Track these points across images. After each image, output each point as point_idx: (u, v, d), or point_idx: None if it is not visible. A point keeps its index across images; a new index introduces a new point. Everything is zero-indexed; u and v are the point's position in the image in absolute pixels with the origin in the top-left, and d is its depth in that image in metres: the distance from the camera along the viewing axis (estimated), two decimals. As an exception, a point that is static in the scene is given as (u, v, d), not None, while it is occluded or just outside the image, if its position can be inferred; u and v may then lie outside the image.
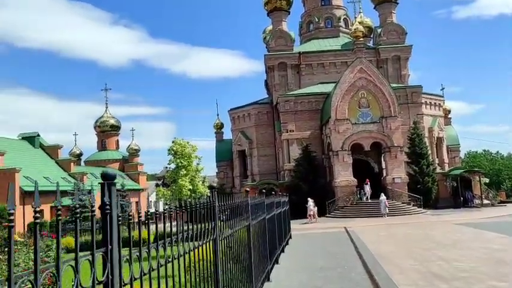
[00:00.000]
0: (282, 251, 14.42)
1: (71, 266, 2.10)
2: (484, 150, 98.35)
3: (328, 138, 38.27)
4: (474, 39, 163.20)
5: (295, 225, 26.03)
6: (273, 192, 22.45)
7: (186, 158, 16.59)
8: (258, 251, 8.88)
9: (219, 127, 54.13)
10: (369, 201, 35.04)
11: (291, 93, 43.75)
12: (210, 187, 50.00)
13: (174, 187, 16.54)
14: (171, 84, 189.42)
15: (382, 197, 32.30)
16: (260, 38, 57.22)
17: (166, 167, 18.03)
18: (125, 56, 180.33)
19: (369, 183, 36.19)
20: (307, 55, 46.03)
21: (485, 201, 38.81)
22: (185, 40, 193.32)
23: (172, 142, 16.67)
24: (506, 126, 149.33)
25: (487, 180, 44.17)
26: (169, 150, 16.69)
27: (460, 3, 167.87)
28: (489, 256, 11.18)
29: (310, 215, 31.15)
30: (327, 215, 35.03)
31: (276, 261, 12.14)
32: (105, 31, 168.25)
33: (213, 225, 4.80)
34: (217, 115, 54.46)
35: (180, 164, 16.55)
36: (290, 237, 19.15)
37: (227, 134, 53.61)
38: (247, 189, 15.91)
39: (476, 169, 44.71)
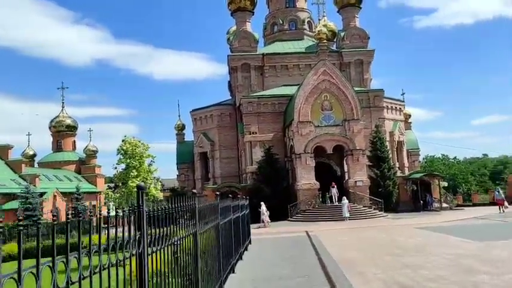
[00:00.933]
0: (240, 258, 13.50)
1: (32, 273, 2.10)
2: (442, 155, 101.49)
3: (291, 141, 37.73)
4: (434, 48, 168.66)
5: (254, 230, 25.21)
6: (231, 195, 21.52)
7: (137, 158, 15.39)
8: (209, 260, 7.91)
9: (181, 128, 52.71)
10: (333, 204, 34.71)
11: (254, 94, 43.01)
12: (172, 190, 48.82)
13: (123, 189, 15.30)
14: (136, 85, 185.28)
15: (344, 200, 32.03)
16: (225, 40, 56.37)
17: (116, 167, 16.74)
18: (88, 55, 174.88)
19: (335, 186, 36.01)
20: (271, 57, 45.46)
21: (444, 205, 39.33)
22: (151, 41, 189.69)
23: (122, 141, 15.43)
24: (463, 132, 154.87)
25: (446, 184, 44.93)
26: (118, 149, 15.45)
27: (422, 13, 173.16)
28: (456, 263, 10.66)
29: (262, 220, 30.54)
30: (289, 219, 34.42)
31: (232, 271, 11.20)
32: (67, 30, 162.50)
33: (138, 234, 3.81)
34: (179, 116, 53.10)
35: (130, 165, 15.33)
36: (250, 242, 18.25)
37: (189, 136, 52.35)
38: (209, 192, 15.02)
39: (435, 173, 45.37)
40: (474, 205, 50.26)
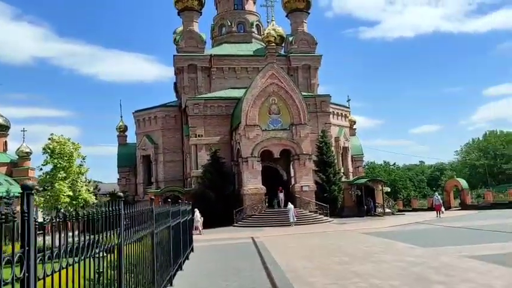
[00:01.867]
0: (180, 268, 12.39)
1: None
2: (384, 162, 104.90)
3: (237, 145, 36.91)
4: (378, 59, 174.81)
5: (195, 237, 24.06)
6: (174, 200, 20.27)
7: (65, 158, 13.82)
8: (141, 274, 6.82)
9: (123, 130, 50.31)
10: (280, 209, 34.24)
11: (200, 96, 41.83)
12: (111, 194, 46.33)
13: (49, 193, 13.67)
14: (79, 86, 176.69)
15: (290, 205, 31.60)
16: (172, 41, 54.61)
17: (41, 169, 14.96)
18: (28, 53, 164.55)
19: (283, 191, 35.60)
20: (219, 58, 44.51)
21: (387, 210, 40.06)
22: (96, 41, 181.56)
23: (49, 139, 13.78)
24: (402, 140, 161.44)
25: (389, 189, 45.93)
26: (44, 148, 13.79)
27: (366, 24, 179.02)
28: (407, 272, 10.20)
29: (196, 227, 29.34)
30: (235, 224, 33.49)
31: (170, 283, 10.09)
32: (6, 26, 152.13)
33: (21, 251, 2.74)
34: (121, 117, 50.74)
35: (58, 165, 13.73)
36: (192, 250, 17.13)
37: (131, 138, 50.05)
38: (152, 197, 13.76)
39: (379, 178, 46.26)
40: (414, 210, 51.97)
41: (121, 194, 6.12)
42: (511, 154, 73.48)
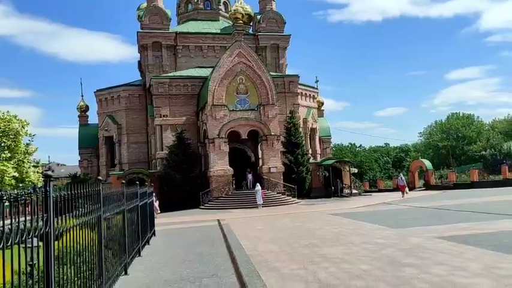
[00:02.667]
0: (138, 254, 11.56)
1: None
2: (350, 143, 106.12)
3: (204, 125, 35.91)
4: (345, 42, 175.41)
5: (160, 220, 23.20)
6: (145, 183, 19.27)
7: (11, 136, 12.59)
8: (85, 264, 5.99)
9: (84, 110, 48.21)
10: (247, 191, 33.72)
11: (165, 75, 40.38)
12: (73, 177, 44.56)
13: (-9, 175, 12.47)
14: (41, 65, 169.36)
15: (258, 187, 31.10)
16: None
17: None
18: None
19: (251, 172, 35.05)
20: (185, 36, 43.01)
21: (354, 191, 40.25)
22: (59, 19, 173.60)
23: (-9, 115, 12.52)
24: (367, 123, 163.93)
25: (356, 171, 46.16)
26: (-15, 126, 12.54)
27: (335, 6, 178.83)
28: (378, 255, 9.74)
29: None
30: (201, 207, 32.78)
31: (125, 271, 9.26)
32: None
33: None
34: (82, 96, 48.67)
35: (1, 144, 12.49)
36: (154, 234, 16.29)
37: (93, 118, 48.06)
38: (123, 181, 12.77)
39: (346, 160, 46.36)
40: (380, 191, 52.67)
41: (123, 181, 5.17)
42: (472, 135, 75.56)
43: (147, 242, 13.99)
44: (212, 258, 10.62)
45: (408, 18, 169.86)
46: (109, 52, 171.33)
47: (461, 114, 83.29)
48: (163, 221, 23.87)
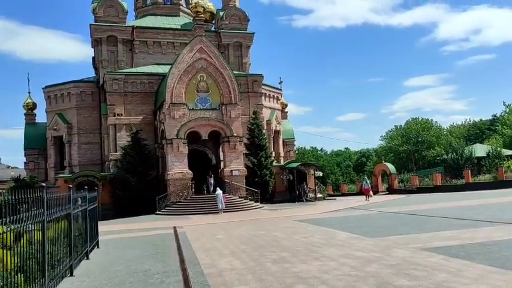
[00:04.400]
0: (70, 273, 9.39)
1: None
2: (312, 147, 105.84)
3: (162, 125, 33.57)
4: (308, 48, 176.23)
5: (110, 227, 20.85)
6: (95, 188, 17.00)
7: None
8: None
9: (31, 108, 44.53)
10: (208, 195, 31.68)
11: (120, 71, 37.71)
12: (16, 180, 40.94)
13: None
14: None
15: (218, 191, 29.08)
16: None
17: None
18: None
19: (212, 175, 33.06)
20: (142, 30, 40.49)
21: (318, 195, 38.97)
22: (14, 17, 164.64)
23: None
24: (329, 127, 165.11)
25: (321, 174, 44.97)
26: None
27: (300, 12, 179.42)
28: (362, 273, 8.08)
29: None
30: (157, 212, 30.43)
31: (44, 302, 7.12)
32: None
33: None
34: (29, 93, 44.89)
35: None
36: (97, 245, 14.05)
37: (42, 117, 44.53)
38: (70, 186, 10.63)
39: (312, 162, 45.12)
40: (343, 195, 51.92)
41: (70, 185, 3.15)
42: (431, 140, 76.52)
43: (86, 256, 11.78)
44: (160, 280, 8.62)
45: (370, 26, 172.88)
46: (67, 51, 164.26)
47: (420, 119, 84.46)
48: (114, 229, 21.54)
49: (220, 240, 14.61)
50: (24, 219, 6.21)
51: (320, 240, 12.88)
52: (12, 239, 6.21)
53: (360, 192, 48.51)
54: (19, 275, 6.26)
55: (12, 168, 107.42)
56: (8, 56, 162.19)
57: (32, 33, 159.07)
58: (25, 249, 6.64)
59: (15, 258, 6.64)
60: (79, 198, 10.97)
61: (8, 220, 5.60)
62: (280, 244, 12.57)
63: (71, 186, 10.37)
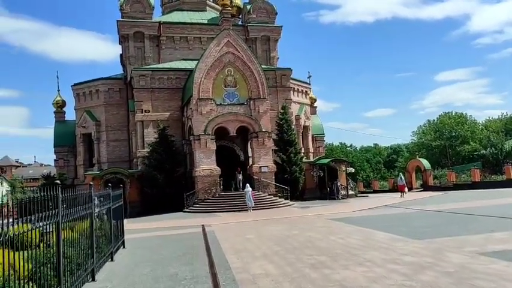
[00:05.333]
0: (92, 278, 8.71)
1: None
2: (340, 143, 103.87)
3: (189, 121, 33.01)
4: (335, 43, 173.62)
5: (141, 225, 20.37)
6: (120, 185, 16.49)
7: None
8: None
9: (60, 105, 44.82)
10: (236, 192, 30.93)
11: (147, 67, 37.37)
12: (46, 177, 41.29)
13: None
14: (29, 64, 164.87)
15: (247, 188, 28.17)
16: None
17: None
18: None
19: (241, 172, 32.33)
20: (169, 26, 40.05)
21: (350, 192, 37.68)
22: (48, 18, 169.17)
23: None
24: (356, 123, 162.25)
25: (353, 170, 43.61)
26: None
27: (327, 7, 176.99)
28: (418, 283, 7.03)
29: None
30: (185, 210, 29.88)
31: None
32: None
33: None
34: (58, 90, 45.05)
35: None
36: (123, 245, 13.43)
37: (71, 115, 44.72)
38: (91, 183, 10.13)
39: (343, 158, 43.80)
40: (375, 191, 50.32)
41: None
42: (465, 135, 73.65)
43: (111, 257, 11.14)
44: (187, 287, 7.81)
45: (399, 20, 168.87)
46: (98, 51, 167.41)
47: (453, 114, 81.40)
48: (141, 227, 21.08)
49: (251, 240, 13.76)
50: (34, 220, 5.49)
51: (359, 242, 11.85)
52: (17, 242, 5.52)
53: (393, 189, 46.93)
54: (30, 284, 5.55)
55: (45, 166, 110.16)
56: (41, 57, 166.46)
57: (65, 34, 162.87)
58: (37, 254, 5.94)
59: (28, 263, 5.97)
60: (102, 196, 10.31)
61: (13, 222, 4.88)
62: (316, 246, 11.61)
63: (91, 183, 9.71)
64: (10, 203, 6.63)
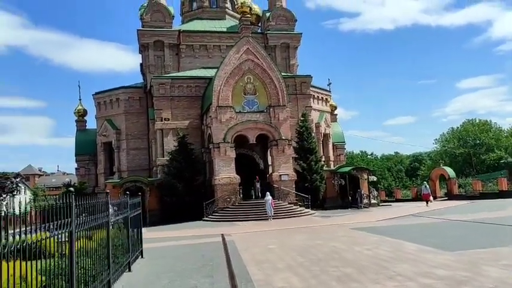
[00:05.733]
0: (109, 290, 8.38)
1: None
2: (361, 151, 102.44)
3: (208, 129, 32.83)
4: (355, 51, 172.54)
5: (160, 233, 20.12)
6: (139, 193, 16.24)
7: None
8: None
9: (82, 114, 45.32)
10: (256, 201, 30.50)
11: (167, 75, 37.45)
12: (67, 186, 41.63)
13: None
14: (53, 75, 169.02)
15: (268, 196, 27.70)
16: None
17: None
18: (1, 42, 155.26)
19: (259, 180, 31.94)
20: (189, 34, 40.15)
21: (372, 201, 36.82)
22: (72, 30, 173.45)
23: None
24: (376, 132, 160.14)
25: (375, 179, 42.71)
26: None
27: (347, 15, 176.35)
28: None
29: None
30: (204, 218, 29.56)
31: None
32: None
33: None
34: (80, 99, 45.62)
35: None
36: (141, 254, 13.12)
37: (92, 123, 45.13)
38: (108, 191, 9.93)
39: (365, 167, 42.95)
40: (397, 200, 49.17)
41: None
42: (490, 143, 71.71)
43: (128, 267, 10.82)
44: (208, 301, 7.42)
45: (420, 27, 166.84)
46: (120, 62, 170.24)
47: (477, 121, 79.48)
48: (160, 236, 20.82)
49: (273, 250, 13.29)
50: (44, 229, 5.19)
51: (387, 253, 11.27)
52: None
53: (416, 198, 45.76)
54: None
55: (67, 174, 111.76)
56: (63, 68, 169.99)
57: (88, 46, 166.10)
58: (50, 264, 5.63)
59: (40, 274, 5.66)
60: (119, 205, 10.02)
61: (19, 232, 4.58)
62: (342, 257, 11.08)
63: (108, 191, 9.45)
64: (32, 211, 6.41)
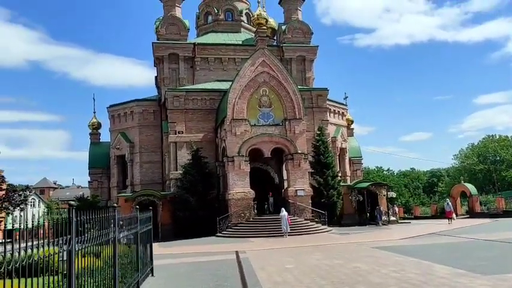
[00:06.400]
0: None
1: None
2: (377, 167, 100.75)
3: (223, 142, 32.21)
4: (371, 67, 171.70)
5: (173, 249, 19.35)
6: (150, 208, 15.57)
7: None
8: None
9: (96, 127, 45.18)
10: (271, 216, 29.60)
11: (181, 88, 37.10)
12: (79, 199, 41.22)
13: None
14: (70, 90, 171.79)
15: (283, 212, 26.77)
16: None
17: None
18: (20, 56, 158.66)
19: (273, 195, 31.14)
20: (204, 47, 39.88)
21: (392, 218, 35.59)
22: (89, 45, 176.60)
23: None
24: (392, 147, 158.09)
25: (394, 195, 41.47)
26: None
27: (363, 31, 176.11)
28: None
29: None
30: (218, 234, 28.74)
31: None
32: (1, 28, 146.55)
33: None
34: (94, 112, 45.79)
35: None
36: (151, 273, 12.37)
37: (106, 136, 44.95)
38: (115, 205, 9.30)
39: (383, 182, 41.78)
40: (416, 218, 47.72)
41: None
42: (510, 159, 69.75)
43: (137, 287, 10.08)
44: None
45: (437, 42, 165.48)
46: (136, 77, 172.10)
47: (497, 137, 77.58)
48: (172, 252, 20.07)
49: (291, 271, 12.42)
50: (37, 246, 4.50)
51: (417, 277, 10.33)
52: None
53: (436, 215, 44.31)
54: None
55: (82, 188, 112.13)
56: (80, 83, 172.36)
57: (105, 61, 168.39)
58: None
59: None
60: (127, 220, 9.34)
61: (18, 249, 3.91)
62: (368, 280, 10.17)
63: (115, 205, 8.76)
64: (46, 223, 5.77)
